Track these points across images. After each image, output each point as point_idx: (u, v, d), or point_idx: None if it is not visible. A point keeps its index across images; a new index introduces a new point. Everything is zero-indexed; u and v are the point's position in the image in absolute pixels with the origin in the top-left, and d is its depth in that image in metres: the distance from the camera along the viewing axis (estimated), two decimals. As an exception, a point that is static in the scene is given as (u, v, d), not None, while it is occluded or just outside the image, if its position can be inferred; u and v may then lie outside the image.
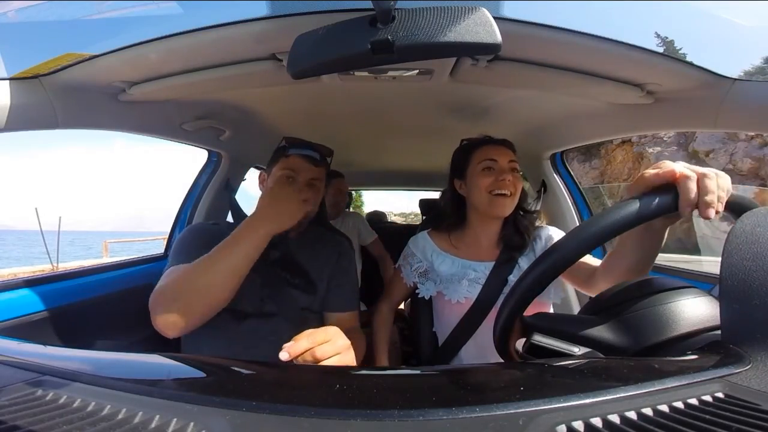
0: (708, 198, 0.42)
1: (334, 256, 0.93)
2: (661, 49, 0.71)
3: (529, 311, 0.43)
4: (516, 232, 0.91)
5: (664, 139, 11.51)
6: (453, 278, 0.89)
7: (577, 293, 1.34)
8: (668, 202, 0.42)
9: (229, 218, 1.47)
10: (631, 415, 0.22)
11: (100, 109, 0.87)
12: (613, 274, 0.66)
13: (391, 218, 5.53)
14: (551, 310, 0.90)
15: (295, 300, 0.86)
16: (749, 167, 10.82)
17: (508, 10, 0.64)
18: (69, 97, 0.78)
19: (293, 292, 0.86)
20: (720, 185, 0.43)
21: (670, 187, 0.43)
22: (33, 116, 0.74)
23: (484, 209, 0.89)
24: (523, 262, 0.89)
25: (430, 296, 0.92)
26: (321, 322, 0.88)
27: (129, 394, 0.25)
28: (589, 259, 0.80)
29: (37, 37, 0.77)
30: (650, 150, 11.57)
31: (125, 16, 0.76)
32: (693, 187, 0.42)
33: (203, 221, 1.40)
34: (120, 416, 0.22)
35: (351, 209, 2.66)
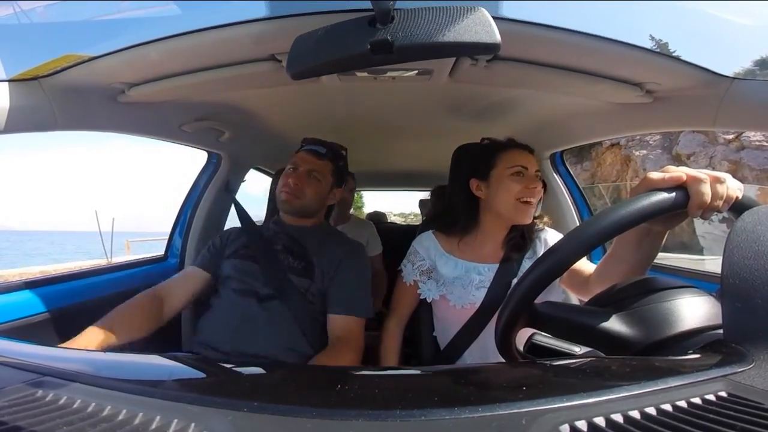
0: (717, 203, 0.42)
1: (340, 254, 0.97)
2: (659, 49, 0.71)
3: None
4: (521, 235, 0.91)
5: (650, 142, 11.48)
6: (457, 282, 0.88)
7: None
8: (680, 200, 0.41)
9: (230, 219, 1.47)
10: (635, 414, 0.22)
11: (100, 110, 0.87)
12: (608, 278, 0.64)
13: (391, 218, 5.54)
14: None
15: (293, 284, 0.92)
16: (726, 169, 10.71)
17: (508, 10, 0.64)
18: (68, 98, 0.78)
19: (292, 278, 0.92)
20: (731, 187, 0.43)
21: (680, 188, 0.42)
22: (32, 118, 0.74)
23: (507, 215, 0.87)
24: (527, 264, 0.88)
25: (431, 299, 0.91)
26: (320, 309, 0.94)
27: (130, 395, 0.25)
28: (585, 264, 0.80)
29: (36, 39, 0.77)
30: (636, 153, 11.53)
31: (125, 17, 0.76)
32: (707, 190, 0.41)
33: (204, 222, 1.42)
34: (120, 417, 0.22)
35: (351, 210, 2.65)
